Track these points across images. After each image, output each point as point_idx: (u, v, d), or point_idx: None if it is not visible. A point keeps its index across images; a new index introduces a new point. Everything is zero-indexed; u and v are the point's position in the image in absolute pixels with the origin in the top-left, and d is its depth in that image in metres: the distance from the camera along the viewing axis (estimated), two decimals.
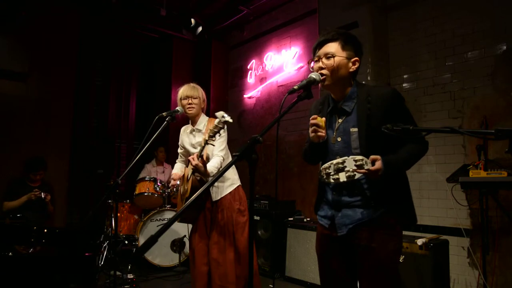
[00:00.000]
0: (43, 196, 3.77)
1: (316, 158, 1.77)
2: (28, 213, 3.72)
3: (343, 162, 1.45)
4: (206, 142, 2.28)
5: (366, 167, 1.44)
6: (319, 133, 1.59)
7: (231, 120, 2.13)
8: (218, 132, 2.21)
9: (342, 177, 1.47)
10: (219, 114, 2.14)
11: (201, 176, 2.41)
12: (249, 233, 2.49)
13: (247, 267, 2.47)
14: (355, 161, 1.44)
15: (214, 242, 2.53)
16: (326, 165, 1.50)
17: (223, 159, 2.54)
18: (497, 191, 2.94)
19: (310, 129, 1.61)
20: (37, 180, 3.95)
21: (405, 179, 1.65)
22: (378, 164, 1.44)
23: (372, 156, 1.46)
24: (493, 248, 3.00)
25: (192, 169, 2.34)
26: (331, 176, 1.49)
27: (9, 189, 3.84)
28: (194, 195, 1.26)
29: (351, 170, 1.43)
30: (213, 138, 2.24)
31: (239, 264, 2.51)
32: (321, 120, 1.59)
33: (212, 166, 2.42)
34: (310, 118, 1.61)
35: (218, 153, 2.54)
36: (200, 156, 2.32)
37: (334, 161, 1.48)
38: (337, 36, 1.63)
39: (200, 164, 2.29)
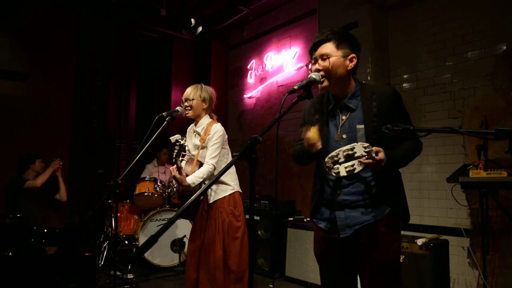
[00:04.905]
0: (62, 164, 4.00)
1: (311, 160, 1.76)
2: (41, 208, 3.85)
3: (352, 148, 1.44)
4: (175, 160, 2.29)
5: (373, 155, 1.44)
6: (316, 146, 1.55)
7: (185, 144, 2.26)
8: (179, 154, 2.28)
9: (342, 171, 1.46)
10: (173, 138, 2.28)
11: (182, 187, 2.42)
12: (248, 236, 2.49)
13: (239, 270, 2.46)
14: (364, 147, 1.43)
15: (206, 242, 2.54)
16: (333, 153, 1.47)
17: (214, 168, 2.50)
18: (497, 191, 2.94)
19: (304, 142, 1.57)
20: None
21: (400, 178, 1.68)
22: (382, 155, 1.46)
23: (374, 148, 1.47)
24: (493, 248, 2.99)
25: (173, 178, 2.35)
26: (333, 170, 1.47)
27: (9, 189, 3.83)
28: (193, 196, 1.27)
29: (361, 155, 1.43)
30: (178, 158, 2.28)
31: (226, 266, 2.48)
32: (314, 131, 1.54)
33: (195, 177, 2.40)
34: (303, 129, 1.58)
35: (208, 161, 2.49)
36: (177, 167, 2.30)
37: (343, 148, 1.46)
38: (331, 35, 1.62)
39: (178, 176, 2.30)
